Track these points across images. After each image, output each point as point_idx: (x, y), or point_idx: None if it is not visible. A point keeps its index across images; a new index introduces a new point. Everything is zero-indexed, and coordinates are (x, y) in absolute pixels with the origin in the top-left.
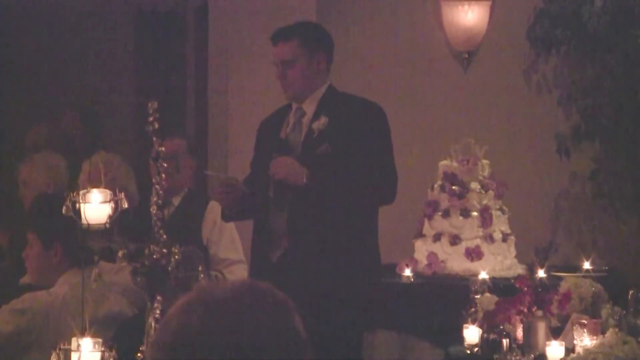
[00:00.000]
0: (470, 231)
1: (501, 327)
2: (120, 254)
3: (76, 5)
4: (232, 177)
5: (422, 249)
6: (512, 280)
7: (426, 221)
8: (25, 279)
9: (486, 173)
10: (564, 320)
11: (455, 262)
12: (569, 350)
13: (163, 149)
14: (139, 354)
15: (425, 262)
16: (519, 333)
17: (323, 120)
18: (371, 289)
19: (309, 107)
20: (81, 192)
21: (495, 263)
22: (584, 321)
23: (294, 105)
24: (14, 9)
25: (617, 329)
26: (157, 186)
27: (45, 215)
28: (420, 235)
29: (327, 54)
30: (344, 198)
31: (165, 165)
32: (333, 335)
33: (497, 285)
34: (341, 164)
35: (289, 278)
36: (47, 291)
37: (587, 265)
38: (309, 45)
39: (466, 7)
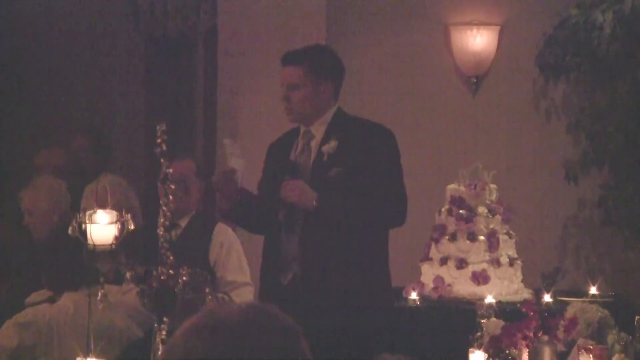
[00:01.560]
0: (477, 255)
1: (507, 352)
2: (127, 275)
3: (87, 28)
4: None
5: (428, 273)
6: (519, 305)
7: (433, 245)
8: (31, 299)
9: (494, 197)
10: (570, 345)
11: (462, 286)
12: None
13: (171, 170)
14: None
15: (431, 285)
16: (525, 358)
17: (333, 143)
18: (382, 312)
19: (318, 130)
20: (87, 213)
21: (501, 287)
22: (590, 347)
23: (302, 128)
24: (23, 32)
25: (623, 355)
26: (164, 208)
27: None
28: (427, 258)
29: (335, 80)
30: (354, 221)
31: (173, 187)
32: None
33: (504, 310)
34: (351, 187)
35: (299, 301)
36: (50, 305)
37: (593, 290)
38: (316, 72)
39: (475, 31)
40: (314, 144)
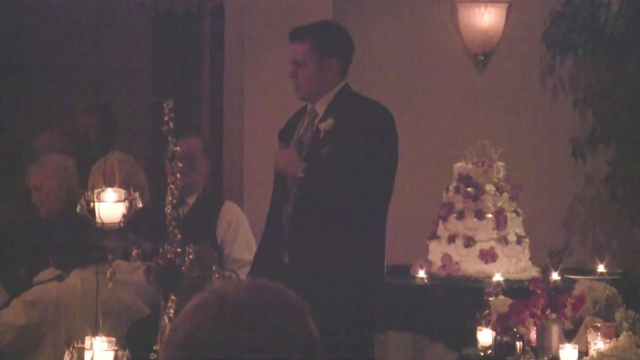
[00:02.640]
0: (485, 233)
1: (515, 329)
2: (134, 253)
3: (92, 5)
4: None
5: (436, 251)
6: (526, 283)
7: (441, 223)
8: (39, 277)
9: (501, 175)
10: (578, 323)
11: (470, 264)
12: (583, 353)
13: (178, 148)
14: (152, 354)
15: (439, 263)
16: (533, 336)
17: (329, 121)
18: (373, 290)
19: (321, 108)
20: (95, 191)
21: (509, 265)
22: (597, 324)
23: (309, 106)
24: (29, 10)
25: (630, 333)
26: (172, 186)
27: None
28: (434, 236)
29: (341, 57)
30: (339, 198)
31: (181, 165)
32: (339, 337)
33: (511, 288)
34: (341, 165)
35: (290, 275)
36: (57, 283)
37: (601, 268)
38: (320, 49)
39: (482, 9)
40: (317, 121)
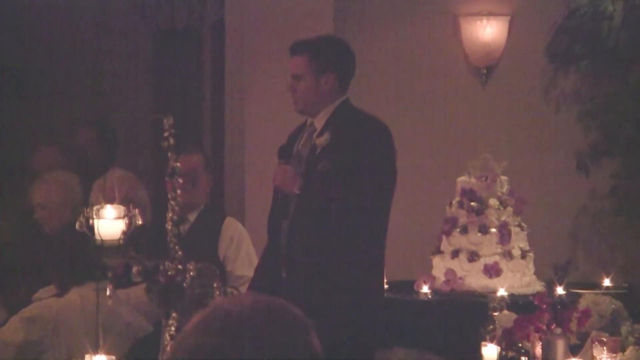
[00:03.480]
0: (489, 248)
1: (520, 344)
2: (134, 270)
3: (92, 20)
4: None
5: (440, 266)
6: (531, 298)
7: (444, 238)
8: (39, 294)
9: (505, 189)
10: (583, 337)
11: (474, 279)
12: None
13: (179, 164)
14: None
15: (443, 278)
16: (538, 351)
17: (325, 136)
18: (372, 306)
19: (319, 123)
20: (95, 208)
21: (513, 280)
22: (603, 339)
23: (309, 120)
24: (29, 25)
25: (637, 347)
26: (172, 202)
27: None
28: (438, 251)
29: (339, 72)
30: (336, 214)
31: (181, 181)
32: (342, 354)
33: (516, 303)
34: (336, 181)
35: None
36: (56, 299)
37: (606, 282)
38: (317, 64)
39: (485, 22)
40: (314, 136)
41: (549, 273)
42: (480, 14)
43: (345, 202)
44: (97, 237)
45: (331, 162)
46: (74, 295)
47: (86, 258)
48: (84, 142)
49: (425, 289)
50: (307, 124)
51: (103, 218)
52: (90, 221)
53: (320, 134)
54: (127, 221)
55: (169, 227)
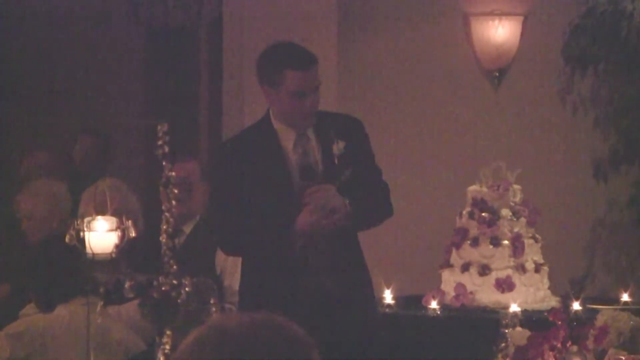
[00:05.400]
0: (501, 261)
1: None
2: (127, 285)
3: (82, 20)
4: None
5: (449, 280)
6: (546, 314)
7: (454, 250)
8: (26, 310)
9: (518, 199)
10: (601, 356)
11: (485, 294)
12: None
13: (174, 174)
14: None
15: (452, 293)
16: None
17: (341, 144)
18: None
19: (311, 133)
20: (86, 220)
21: (527, 295)
22: (622, 357)
23: (294, 132)
24: (18, 25)
25: None
26: (167, 213)
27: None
28: (447, 265)
29: None
30: (373, 220)
31: (176, 191)
32: None
33: (530, 319)
34: (361, 186)
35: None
36: (44, 315)
37: (625, 297)
38: None
39: (497, 22)
40: (310, 146)
41: (564, 287)
42: (492, 14)
43: (378, 208)
44: (88, 250)
45: (352, 168)
46: (63, 311)
47: (75, 272)
48: (75, 150)
49: (434, 304)
50: (294, 136)
51: (94, 230)
52: (81, 234)
53: (325, 141)
54: (119, 234)
55: (163, 240)
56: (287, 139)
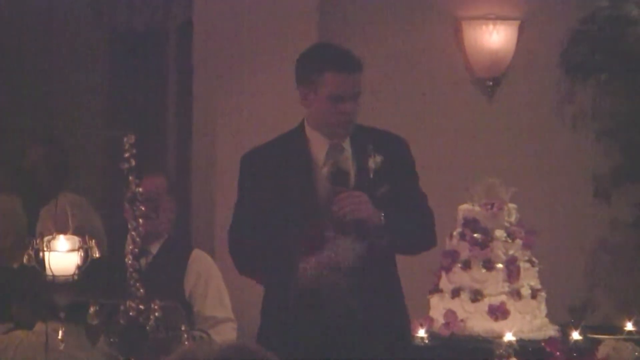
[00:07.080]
0: (495, 286)
1: None
2: (91, 311)
3: (41, 20)
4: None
5: (438, 306)
6: (543, 343)
7: (443, 274)
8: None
9: (513, 219)
10: None
11: (477, 322)
12: None
13: (141, 189)
14: None
15: (442, 321)
16: None
17: (378, 158)
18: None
19: (345, 142)
20: (45, 239)
21: (522, 323)
22: None
23: (328, 142)
24: None
25: None
26: (133, 232)
27: None
28: (436, 290)
29: None
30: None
31: (143, 208)
32: None
33: (525, 349)
34: (399, 205)
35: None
36: (25, 331)
37: (629, 326)
38: None
39: (491, 27)
40: (345, 156)
41: (563, 315)
42: (486, 18)
43: (414, 229)
44: (48, 272)
45: (389, 185)
46: (20, 335)
47: (34, 296)
48: (31, 163)
49: (421, 332)
50: (307, 142)
51: (55, 250)
52: (40, 254)
53: (361, 155)
54: (82, 254)
55: (129, 261)
56: (320, 148)
